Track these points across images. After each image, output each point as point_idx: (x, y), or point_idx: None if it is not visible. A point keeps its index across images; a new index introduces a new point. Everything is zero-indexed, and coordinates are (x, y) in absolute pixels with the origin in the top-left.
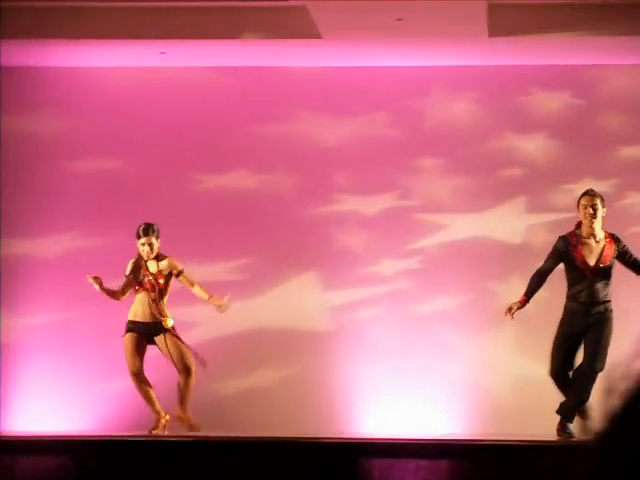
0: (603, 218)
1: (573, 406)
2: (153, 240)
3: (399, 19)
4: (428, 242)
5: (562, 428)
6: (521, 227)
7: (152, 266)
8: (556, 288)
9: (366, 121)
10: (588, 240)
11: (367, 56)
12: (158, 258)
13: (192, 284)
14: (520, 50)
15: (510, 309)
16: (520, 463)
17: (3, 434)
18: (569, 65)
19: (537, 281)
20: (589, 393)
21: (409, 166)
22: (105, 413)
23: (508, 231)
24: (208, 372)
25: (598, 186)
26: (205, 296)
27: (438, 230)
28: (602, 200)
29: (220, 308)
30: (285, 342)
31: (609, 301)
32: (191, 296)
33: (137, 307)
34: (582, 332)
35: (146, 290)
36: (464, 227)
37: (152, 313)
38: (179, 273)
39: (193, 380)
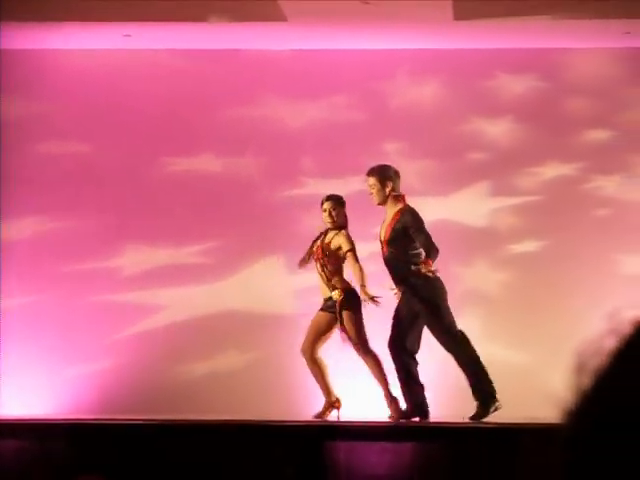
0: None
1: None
2: (332, 207)
3: (365, 2)
4: None
5: None
6: (486, 210)
7: (328, 236)
8: (519, 272)
9: (331, 104)
10: None
11: (332, 39)
12: (340, 229)
13: (354, 265)
14: (485, 34)
15: None
16: (485, 445)
17: None
18: (534, 49)
19: None
20: None
21: (374, 149)
22: (72, 397)
23: (473, 215)
24: (174, 355)
25: (563, 169)
26: (360, 282)
27: None
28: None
29: (365, 301)
30: (250, 325)
31: None
32: (156, 279)
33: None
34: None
35: (315, 261)
36: (429, 210)
37: (324, 287)
38: (347, 251)
39: (379, 362)
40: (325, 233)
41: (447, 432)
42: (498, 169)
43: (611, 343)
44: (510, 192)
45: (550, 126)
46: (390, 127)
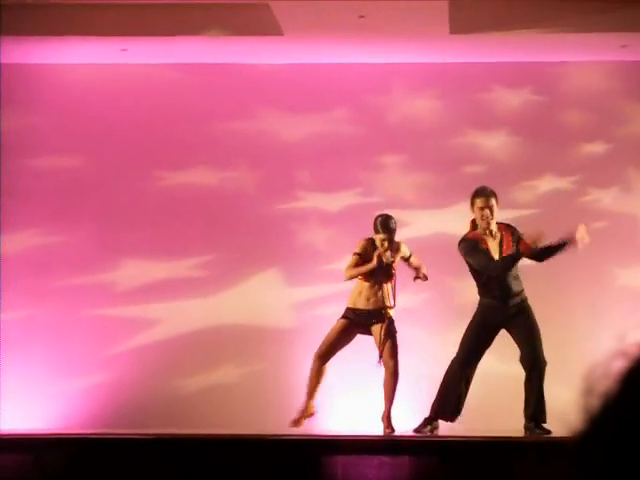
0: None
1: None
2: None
3: (361, 16)
4: None
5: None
6: None
7: (399, 249)
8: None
9: (328, 118)
10: (486, 237)
11: (329, 53)
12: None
13: (417, 263)
14: (481, 47)
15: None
16: (482, 459)
17: None
18: (530, 62)
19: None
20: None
21: (371, 163)
22: (68, 411)
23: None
24: (170, 369)
25: (559, 182)
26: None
27: (400, 227)
28: (495, 197)
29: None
30: (247, 339)
31: (522, 290)
32: (152, 293)
33: (363, 293)
34: (500, 325)
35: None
36: (426, 224)
37: (378, 300)
38: (409, 257)
39: (396, 381)
40: (390, 248)
41: (444, 446)
42: (494, 182)
43: (619, 365)
44: (506, 205)
45: (546, 139)
46: (386, 141)
